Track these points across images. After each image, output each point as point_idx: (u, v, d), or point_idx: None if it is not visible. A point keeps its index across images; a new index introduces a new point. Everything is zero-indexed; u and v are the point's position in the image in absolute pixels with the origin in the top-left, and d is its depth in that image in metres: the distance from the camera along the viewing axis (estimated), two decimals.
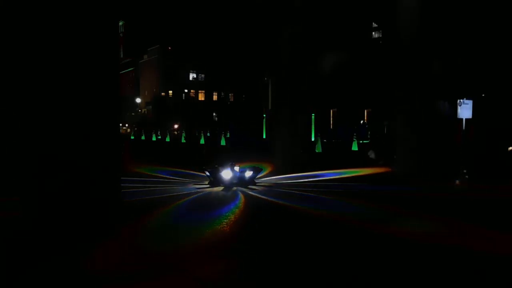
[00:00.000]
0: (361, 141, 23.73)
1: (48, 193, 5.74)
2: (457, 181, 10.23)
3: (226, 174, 9.84)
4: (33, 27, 5.79)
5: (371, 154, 15.28)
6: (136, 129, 43.01)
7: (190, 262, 4.66)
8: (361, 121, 41.50)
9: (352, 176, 11.74)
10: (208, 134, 37.24)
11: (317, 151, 19.83)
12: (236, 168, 9.97)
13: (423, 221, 6.55)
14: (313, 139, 20.97)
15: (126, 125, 57.27)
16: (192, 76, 72.11)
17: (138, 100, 75.70)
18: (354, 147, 21.44)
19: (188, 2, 72.11)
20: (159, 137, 35.67)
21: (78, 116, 5.83)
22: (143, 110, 75.53)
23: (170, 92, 70.68)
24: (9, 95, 6.51)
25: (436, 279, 4.30)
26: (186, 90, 71.64)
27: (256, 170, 10.54)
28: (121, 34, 77.13)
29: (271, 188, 9.75)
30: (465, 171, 10.23)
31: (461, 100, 10.19)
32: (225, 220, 6.57)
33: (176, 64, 68.44)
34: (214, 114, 70.89)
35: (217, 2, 67.92)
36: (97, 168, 6.00)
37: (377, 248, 5.34)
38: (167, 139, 33.88)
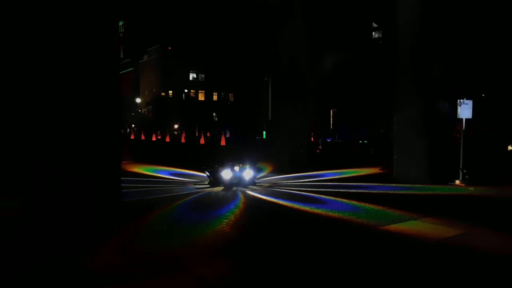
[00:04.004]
0: (360, 141, 23.75)
1: (48, 193, 5.74)
2: (457, 181, 10.23)
3: (226, 174, 9.84)
4: (32, 27, 5.78)
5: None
6: (136, 129, 43.00)
7: (190, 262, 4.66)
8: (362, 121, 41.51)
9: (352, 176, 11.74)
10: (208, 134, 37.27)
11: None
12: (236, 168, 9.97)
13: (424, 222, 6.55)
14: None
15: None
16: (192, 76, 72.15)
17: (138, 100, 75.73)
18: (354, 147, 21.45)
19: (188, 2, 72.12)
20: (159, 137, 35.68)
21: (78, 116, 5.82)
22: (143, 110, 75.54)
23: (170, 92, 70.72)
24: (9, 95, 6.51)
25: (437, 279, 4.30)
26: (186, 90, 71.66)
27: (256, 170, 10.55)
28: (121, 34, 77.16)
29: (271, 188, 9.75)
30: (465, 171, 10.23)
31: (461, 100, 10.19)
32: (225, 220, 6.56)
33: (176, 64, 68.47)
34: (214, 114, 70.93)
35: (217, 2, 67.93)
36: (97, 168, 5.99)
37: (377, 249, 5.34)
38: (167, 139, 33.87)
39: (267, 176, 11.72)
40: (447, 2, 10.88)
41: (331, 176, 11.79)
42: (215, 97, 73.54)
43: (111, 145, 6.29)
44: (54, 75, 5.74)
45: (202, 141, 29.38)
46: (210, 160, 13.35)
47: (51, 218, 5.69)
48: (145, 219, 6.60)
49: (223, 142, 27.13)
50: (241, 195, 8.81)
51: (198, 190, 9.53)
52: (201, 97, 72.96)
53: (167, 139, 32.68)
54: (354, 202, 7.99)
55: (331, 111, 48.95)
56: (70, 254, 4.87)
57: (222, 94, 73.54)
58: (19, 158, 6.08)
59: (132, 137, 36.84)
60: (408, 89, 10.93)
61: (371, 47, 44.67)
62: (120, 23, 76.89)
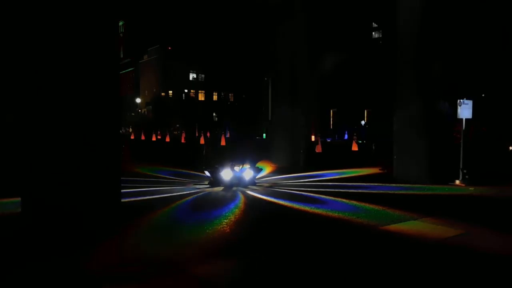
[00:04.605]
0: (360, 141, 23.84)
1: (48, 193, 5.74)
2: (457, 181, 10.23)
3: (226, 174, 9.84)
4: (32, 27, 5.78)
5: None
6: (135, 129, 42.97)
7: (190, 262, 4.66)
8: (362, 122, 41.56)
9: (352, 176, 11.74)
10: (208, 134, 37.26)
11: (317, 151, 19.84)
12: (236, 168, 9.97)
13: (424, 222, 6.55)
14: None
15: (124, 129, 56.71)
16: (192, 76, 72.15)
17: (138, 100, 75.73)
18: (354, 148, 21.50)
19: (188, 2, 72.11)
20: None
21: (77, 116, 5.82)
22: (143, 110, 75.54)
23: (170, 92, 70.72)
24: (9, 95, 6.51)
25: (437, 279, 4.30)
26: (186, 90, 71.66)
27: (256, 170, 10.54)
28: (121, 34, 77.16)
29: (271, 188, 9.75)
30: (465, 171, 10.23)
31: (461, 100, 10.19)
32: (225, 220, 6.57)
33: (176, 64, 68.46)
34: (214, 114, 70.92)
35: (217, 2, 67.94)
36: (97, 168, 5.99)
37: (377, 249, 5.34)
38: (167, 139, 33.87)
39: (267, 176, 11.73)
40: (447, 2, 10.88)
41: (331, 176, 11.79)
42: (215, 97, 73.54)
43: (111, 145, 6.28)
44: (54, 75, 5.74)
45: (202, 141, 29.39)
46: (210, 160, 13.35)
47: (51, 218, 5.69)
48: (145, 219, 6.60)
49: (223, 142, 27.13)
50: (241, 195, 8.81)
51: (198, 190, 9.53)
52: (201, 97, 72.94)
53: (167, 139, 32.69)
54: (354, 202, 7.99)
55: (331, 111, 48.95)
56: (70, 254, 4.87)
57: (222, 94, 73.53)
58: (19, 158, 6.07)
59: (132, 137, 36.85)
60: (408, 89, 10.92)
61: (371, 47, 44.67)
62: (120, 23, 76.88)
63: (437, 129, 10.65)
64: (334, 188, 9.61)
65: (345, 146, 24.06)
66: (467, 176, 10.18)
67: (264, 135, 32.23)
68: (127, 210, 6.94)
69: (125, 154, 15.05)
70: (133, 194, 8.69)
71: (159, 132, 36.71)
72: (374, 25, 46.62)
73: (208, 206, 7.74)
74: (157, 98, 70.08)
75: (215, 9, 69.45)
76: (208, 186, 10.04)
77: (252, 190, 9.50)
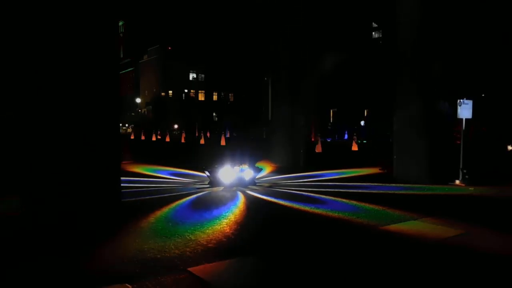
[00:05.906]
0: (359, 141, 23.88)
1: (48, 193, 5.74)
2: (457, 181, 10.23)
3: (226, 174, 9.84)
4: (32, 27, 5.79)
5: None
6: (135, 129, 43.01)
7: (190, 262, 4.66)
8: (361, 122, 41.60)
9: (352, 176, 11.74)
10: (208, 134, 37.28)
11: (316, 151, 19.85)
12: (236, 168, 9.97)
13: (424, 222, 6.55)
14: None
15: (126, 125, 57.33)
16: (192, 76, 72.19)
17: (138, 100, 75.77)
18: (354, 148, 21.53)
19: (188, 2, 72.13)
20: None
21: (77, 116, 5.83)
22: (143, 110, 75.58)
23: (170, 92, 70.76)
24: (9, 95, 6.52)
25: (437, 279, 4.30)
26: (186, 90, 71.70)
27: (256, 170, 10.54)
28: (121, 34, 77.19)
29: (271, 188, 9.75)
30: (465, 171, 10.23)
31: (461, 100, 10.19)
32: (225, 220, 6.57)
33: (176, 64, 68.50)
34: (214, 114, 70.96)
35: (217, 2, 67.96)
36: (97, 168, 6.00)
37: (377, 249, 5.34)
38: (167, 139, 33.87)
39: (267, 176, 11.72)
40: (447, 2, 10.87)
41: (331, 176, 11.78)
42: (215, 97, 73.57)
43: (111, 145, 6.29)
44: (54, 75, 5.75)
45: (202, 141, 29.40)
46: (210, 160, 13.35)
47: (51, 218, 5.70)
48: (145, 219, 6.60)
49: (223, 142, 27.13)
50: (241, 195, 8.81)
51: (198, 190, 9.53)
52: (201, 97, 72.98)
53: (167, 139, 32.70)
54: (354, 202, 7.99)
55: (331, 111, 49.02)
56: (70, 254, 4.87)
57: (222, 94, 73.58)
58: (19, 158, 6.08)
59: (132, 137, 36.86)
60: (408, 89, 10.92)
61: (371, 47, 44.70)
62: (120, 23, 76.92)
63: (437, 129, 10.64)
64: (334, 188, 9.61)
65: (345, 146, 24.08)
66: (467, 176, 10.18)
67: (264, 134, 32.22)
68: (127, 210, 6.95)
69: (125, 154, 15.05)
70: (133, 194, 8.69)
71: (159, 132, 36.74)
72: (374, 25, 46.65)
73: (208, 206, 7.74)
74: (157, 98, 70.13)
75: (216, 9, 69.48)
76: (208, 186, 10.04)
77: (252, 190, 9.50)
